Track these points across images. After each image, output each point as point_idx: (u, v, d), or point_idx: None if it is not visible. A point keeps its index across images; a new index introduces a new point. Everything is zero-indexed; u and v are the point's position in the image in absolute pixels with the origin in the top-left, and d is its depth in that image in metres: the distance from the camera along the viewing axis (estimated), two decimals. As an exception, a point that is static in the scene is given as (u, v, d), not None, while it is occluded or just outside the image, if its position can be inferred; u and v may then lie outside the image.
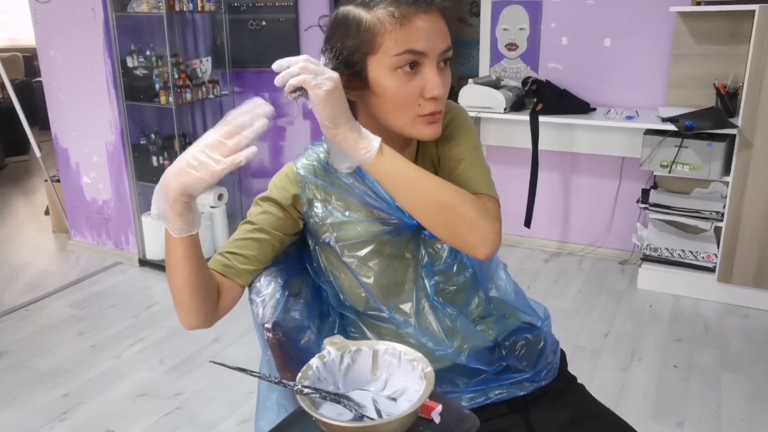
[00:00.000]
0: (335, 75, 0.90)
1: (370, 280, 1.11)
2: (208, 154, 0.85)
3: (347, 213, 1.09)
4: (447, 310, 1.13)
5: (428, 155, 1.12)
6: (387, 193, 1.06)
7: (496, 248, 0.97)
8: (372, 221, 1.08)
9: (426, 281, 1.12)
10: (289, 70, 0.89)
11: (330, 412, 0.79)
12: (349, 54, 0.98)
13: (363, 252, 1.09)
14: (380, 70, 0.97)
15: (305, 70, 0.88)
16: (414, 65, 0.97)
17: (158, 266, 3.60)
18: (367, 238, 1.09)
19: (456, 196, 0.96)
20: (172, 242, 0.95)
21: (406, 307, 1.12)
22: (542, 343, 1.21)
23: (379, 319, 1.14)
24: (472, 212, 0.96)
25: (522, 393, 1.18)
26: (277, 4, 3.68)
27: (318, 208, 1.10)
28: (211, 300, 1.03)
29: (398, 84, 0.98)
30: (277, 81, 0.89)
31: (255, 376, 0.85)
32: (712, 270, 3.07)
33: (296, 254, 1.19)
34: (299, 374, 0.83)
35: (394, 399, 0.85)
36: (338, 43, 0.98)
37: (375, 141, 0.93)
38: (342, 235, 1.09)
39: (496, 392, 1.17)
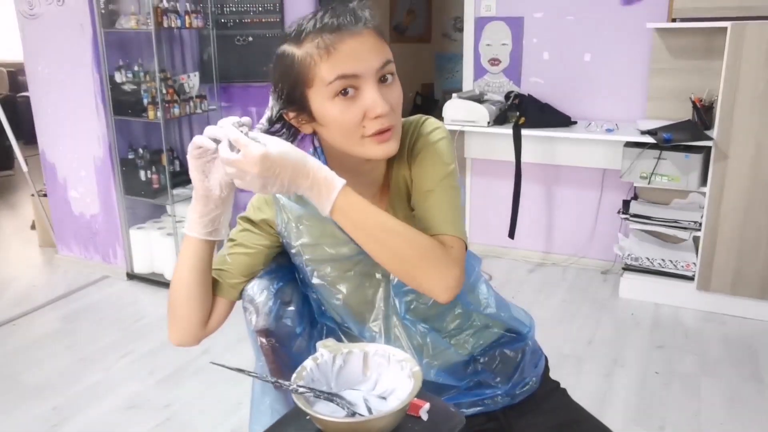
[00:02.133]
0: (255, 156, 0.88)
1: (339, 302, 1.13)
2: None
3: (318, 235, 1.10)
4: (418, 326, 1.14)
5: (401, 176, 1.10)
6: None
7: (456, 292, 0.97)
8: (343, 243, 1.08)
9: (396, 300, 1.13)
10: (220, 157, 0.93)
11: (324, 410, 0.84)
12: (290, 91, 1.00)
13: (332, 273, 1.12)
14: (320, 101, 0.98)
15: (228, 165, 0.91)
16: (351, 89, 0.97)
17: (146, 280, 3.62)
18: (337, 259, 1.10)
19: (415, 247, 0.96)
20: (192, 244, 1.04)
21: (375, 325, 1.14)
22: (520, 356, 1.22)
23: (351, 334, 1.17)
24: (431, 261, 0.96)
25: (494, 408, 1.19)
26: (263, 20, 3.74)
27: (291, 229, 1.11)
28: (203, 311, 1.08)
29: (339, 111, 0.97)
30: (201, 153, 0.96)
31: (253, 376, 0.89)
32: (691, 278, 3.15)
33: (287, 263, 1.22)
34: (294, 375, 0.87)
35: (384, 398, 0.89)
36: (279, 83, 1.01)
37: (331, 195, 0.93)
38: (312, 257, 1.12)
39: (468, 407, 1.18)
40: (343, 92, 0.97)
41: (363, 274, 1.12)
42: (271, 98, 1.03)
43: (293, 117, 1.03)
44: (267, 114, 1.04)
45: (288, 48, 1.00)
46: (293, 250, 1.13)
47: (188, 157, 0.97)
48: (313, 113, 1.01)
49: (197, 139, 0.95)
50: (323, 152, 1.09)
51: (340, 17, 0.97)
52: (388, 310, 1.14)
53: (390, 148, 1.01)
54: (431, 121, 1.11)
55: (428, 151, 1.07)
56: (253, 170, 0.89)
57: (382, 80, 0.99)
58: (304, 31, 0.98)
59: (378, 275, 1.12)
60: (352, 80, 0.96)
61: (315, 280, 1.13)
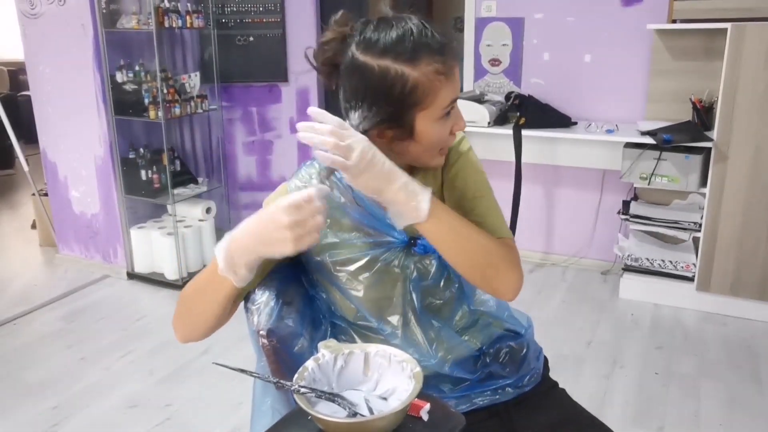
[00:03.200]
0: (365, 146, 0.90)
1: (360, 294, 1.14)
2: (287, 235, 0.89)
3: (339, 233, 1.12)
4: (432, 322, 1.17)
5: (429, 181, 1.14)
6: (380, 211, 1.09)
7: (520, 290, 1.04)
8: (364, 240, 1.12)
9: (414, 295, 1.15)
10: (318, 138, 0.89)
11: (325, 410, 0.84)
12: (397, 111, 0.98)
13: (353, 268, 1.13)
14: (428, 122, 1.00)
15: (334, 146, 0.89)
16: (452, 110, 1.03)
17: (146, 279, 3.62)
18: (358, 255, 1.12)
19: (495, 252, 1.02)
20: (221, 283, 0.98)
21: (394, 319, 1.16)
22: (525, 349, 1.25)
23: (368, 329, 1.18)
24: (506, 266, 1.03)
25: (505, 399, 1.21)
26: (264, 20, 3.74)
27: None
28: (220, 323, 1.08)
29: (441, 130, 1.03)
30: (304, 138, 0.90)
31: (255, 376, 0.90)
32: (691, 279, 3.15)
33: (290, 264, 1.23)
34: (296, 375, 0.88)
35: (384, 398, 0.90)
36: (379, 102, 0.97)
37: (424, 201, 0.95)
38: (334, 254, 1.13)
39: (479, 399, 1.20)
40: (447, 114, 1.02)
41: (383, 271, 1.13)
42: (353, 114, 0.98)
43: (389, 134, 1.02)
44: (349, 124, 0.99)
45: (396, 66, 0.96)
46: (315, 248, 1.13)
47: (302, 244, 0.90)
48: (416, 132, 1.01)
49: (320, 219, 0.90)
50: None
51: (445, 39, 1.00)
52: (405, 304, 1.16)
53: (445, 158, 1.10)
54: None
55: (464, 160, 1.14)
56: (359, 161, 0.90)
57: None
58: (417, 50, 0.96)
59: (397, 270, 1.14)
60: (455, 102, 1.03)
61: (337, 274, 1.14)
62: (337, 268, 1.14)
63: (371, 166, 0.92)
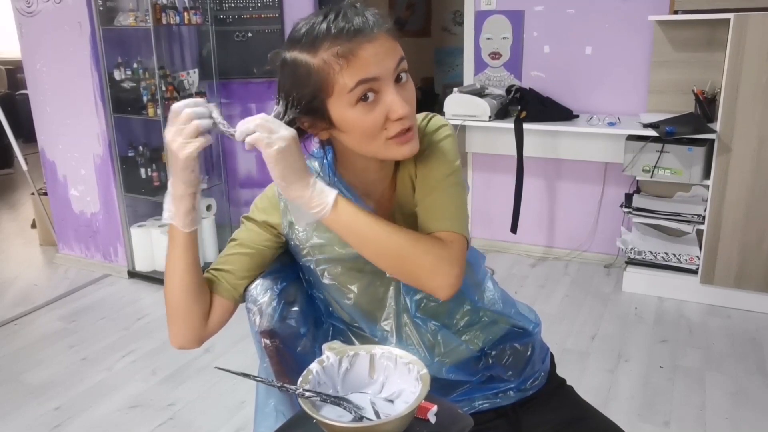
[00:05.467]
0: (288, 134, 0.92)
1: (350, 302, 1.13)
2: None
3: (327, 234, 1.09)
4: (429, 324, 1.14)
5: (407, 174, 1.11)
6: (367, 211, 1.08)
7: (456, 289, 0.98)
8: None
9: (407, 298, 1.13)
10: (246, 126, 0.91)
11: (331, 414, 0.82)
12: (307, 100, 0.98)
13: (344, 272, 1.11)
14: (341, 108, 0.97)
15: (260, 128, 0.91)
16: (371, 94, 0.96)
17: (148, 278, 3.61)
18: (347, 258, 1.10)
19: (412, 247, 0.97)
20: (174, 238, 1.02)
21: (387, 324, 1.14)
22: (530, 351, 1.23)
23: (364, 332, 1.17)
24: (430, 260, 0.97)
25: (507, 402, 1.19)
26: (262, 16, 3.71)
27: (299, 231, 1.11)
28: (201, 308, 1.07)
29: (361, 117, 0.97)
30: (237, 137, 0.92)
31: (259, 381, 0.88)
32: (694, 272, 3.13)
33: (291, 263, 1.22)
34: (300, 378, 0.86)
35: (391, 401, 0.88)
36: (293, 93, 0.98)
37: (329, 197, 0.95)
38: (322, 258, 1.11)
39: (481, 402, 1.18)
40: (364, 98, 0.96)
41: (374, 273, 1.11)
42: (278, 105, 1.00)
43: (309, 125, 1.02)
44: (274, 112, 1.00)
45: (300, 56, 0.97)
46: (304, 251, 1.12)
47: (185, 152, 0.93)
48: (333, 121, 0.99)
49: (195, 123, 0.92)
50: (334, 155, 1.09)
51: (354, 22, 0.94)
52: (398, 308, 1.14)
53: (413, 146, 1.01)
54: (436, 119, 1.11)
55: (433, 149, 1.07)
56: (281, 144, 0.91)
57: (397, 80, 0.99)
58: (318, 38, 0.95)
59: (388, 274, 1.12)
60: (372, 84, 0.95)
61: (326, 280, 1.13)
62: (326, 275, 1.12)
63: (288, 156, 0.92)
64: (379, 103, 0.97)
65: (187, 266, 1.03)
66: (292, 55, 0.98)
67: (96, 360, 2.80)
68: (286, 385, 0.85)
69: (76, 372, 2.71)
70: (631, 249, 3.26)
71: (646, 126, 3.03)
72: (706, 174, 3.02)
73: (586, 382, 2.51)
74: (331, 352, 0.91)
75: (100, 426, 2.35)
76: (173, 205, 0.99)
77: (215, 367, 0.95)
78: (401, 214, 1.11)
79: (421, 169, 1.08)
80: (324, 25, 0.95)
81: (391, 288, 1.13)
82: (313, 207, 0.95)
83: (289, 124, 0.97)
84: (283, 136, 0.91)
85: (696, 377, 2.53)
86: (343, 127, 0.99)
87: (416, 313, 1.13)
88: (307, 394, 0.83)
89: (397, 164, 1.11)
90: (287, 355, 1.13)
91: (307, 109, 0.99)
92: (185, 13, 3.41)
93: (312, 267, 1.13)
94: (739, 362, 2.63)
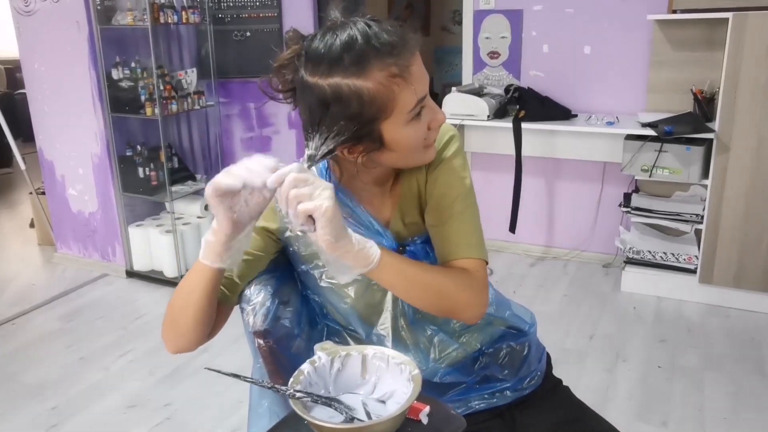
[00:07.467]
0: (329, 187, 0.84)
1: (347, 306, 1.12)
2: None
3: None
4: (426, 328, 1.14)
5: (414, 181, 1.09)
6: (366, 219, 1.07)
7: (484, 313, 1.02)
8: None
9: (404, 303, 1.12)
10: (283, 193, 0.83)
11: (322, 415, 0.82)
12: (358, 128, 0.91)
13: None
14: (396, 128, 0.93)
15: (299, 196, 0.82)
16: (422, 109, 0.95)
17: (145, 277, 3.60)
18: None
19: (451, 285, 0.98)
20: (201, 271, 0.95)
21: (383, 329, 1.13)
22: (526, 351, 1.22)
23: (360, 334, 1.16)
24: (467, 295, 0.99)
25: (503, 402, 1.19)
26: (261, 15, 3.71)
27: (298, 237, 1.10)
28: (208, 328, 1.05)
29: (414, 132, 0.95)
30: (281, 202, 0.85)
31: (249, 381, 0.88)
32: (693, 271, 3.13)
33: (285, 263, 1.21)
34: (291, 379, 0.86)
35: (383, 401, 0.87)
36: (338, 123, 0.90)
37: (373, 250, 0.90)
38: (319, 264, 1.10)
39: (477, 402, 1.18)
40: (417, 114, 0.95)
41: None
42: (314, 139, 0.90)
43: (348, 151, 0.96)
44: (308, 153, 0.91)
45: (346, 82, 0.89)
46: (303, 257, 1.12)
47: (209, 198, 0.86)
48: (385, 141, 0.95)
49: (221, 184, 0.84)
50: (338, 165, 1.07)
51: (395, 37, 0.90)
52: (395, 312, 1.13)
53: (434, 150, 1.04)
54: (445, 128, 1.08)
55: (445, 167, 1.07)
56: (329, 203, 0.83)
57: None
58: (363, 58, 0.88)
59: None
60: (423, 100, 0.95)
61: (323, 284, 1.12)
62: (324, 278, 1.11)
63: (337, 210, 0.85)
64: (424, 115, 0.97)
65: (202, 297, 0.98)
66: (333, 83, 0.89)
67: (93, 360, 2.80)
68: (276, 385, 0.84)
69: (73, 372, 2.70)
70: (630, 248, 3.25)
71: (644, 125, 3.02)
72: (705, 173, 3.01)
73: (585, 381, 2.51)
74: (323, 353, 0.91)
75: (96, 426, 2.35)
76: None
77: (205, 368, 0.94)
78: (402, 222, 1.11)
79: (432, 187, 1.07)
80: (366, 45, 0.89)
81: (389, 293, 1.12)
82: (361, 260, 0.89)
83: (326, 154, 0.91)
84: (327, 194, 0.83)
85: (695, 377, 2.52)
86: (393, 147, 0.96)
87: (414, 318, 1.13)
88: (298, 394, 0.82)
89: (398, 171, 1.10)
90: (281, 356, 1.12)
91: (358, 136, 0.93)
92: (183, 12, 3.40)
93: (310, 271, 1.12)
94: (737, 362, 2.63)
